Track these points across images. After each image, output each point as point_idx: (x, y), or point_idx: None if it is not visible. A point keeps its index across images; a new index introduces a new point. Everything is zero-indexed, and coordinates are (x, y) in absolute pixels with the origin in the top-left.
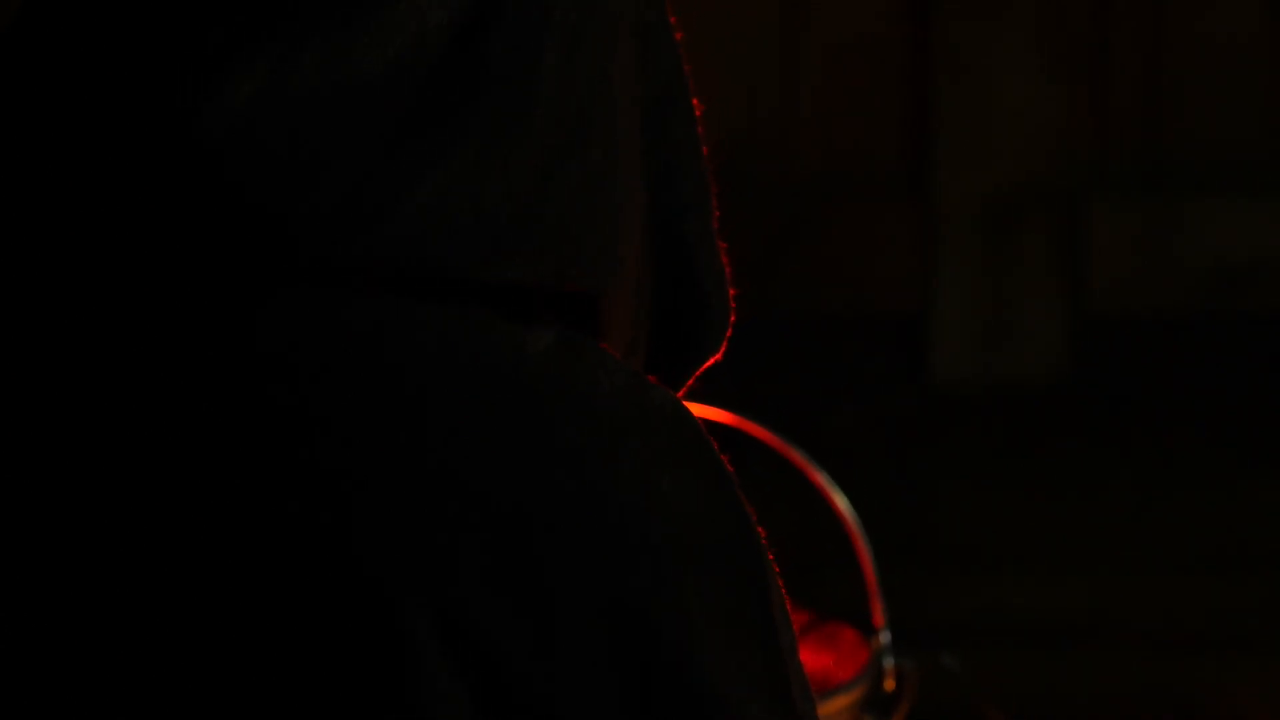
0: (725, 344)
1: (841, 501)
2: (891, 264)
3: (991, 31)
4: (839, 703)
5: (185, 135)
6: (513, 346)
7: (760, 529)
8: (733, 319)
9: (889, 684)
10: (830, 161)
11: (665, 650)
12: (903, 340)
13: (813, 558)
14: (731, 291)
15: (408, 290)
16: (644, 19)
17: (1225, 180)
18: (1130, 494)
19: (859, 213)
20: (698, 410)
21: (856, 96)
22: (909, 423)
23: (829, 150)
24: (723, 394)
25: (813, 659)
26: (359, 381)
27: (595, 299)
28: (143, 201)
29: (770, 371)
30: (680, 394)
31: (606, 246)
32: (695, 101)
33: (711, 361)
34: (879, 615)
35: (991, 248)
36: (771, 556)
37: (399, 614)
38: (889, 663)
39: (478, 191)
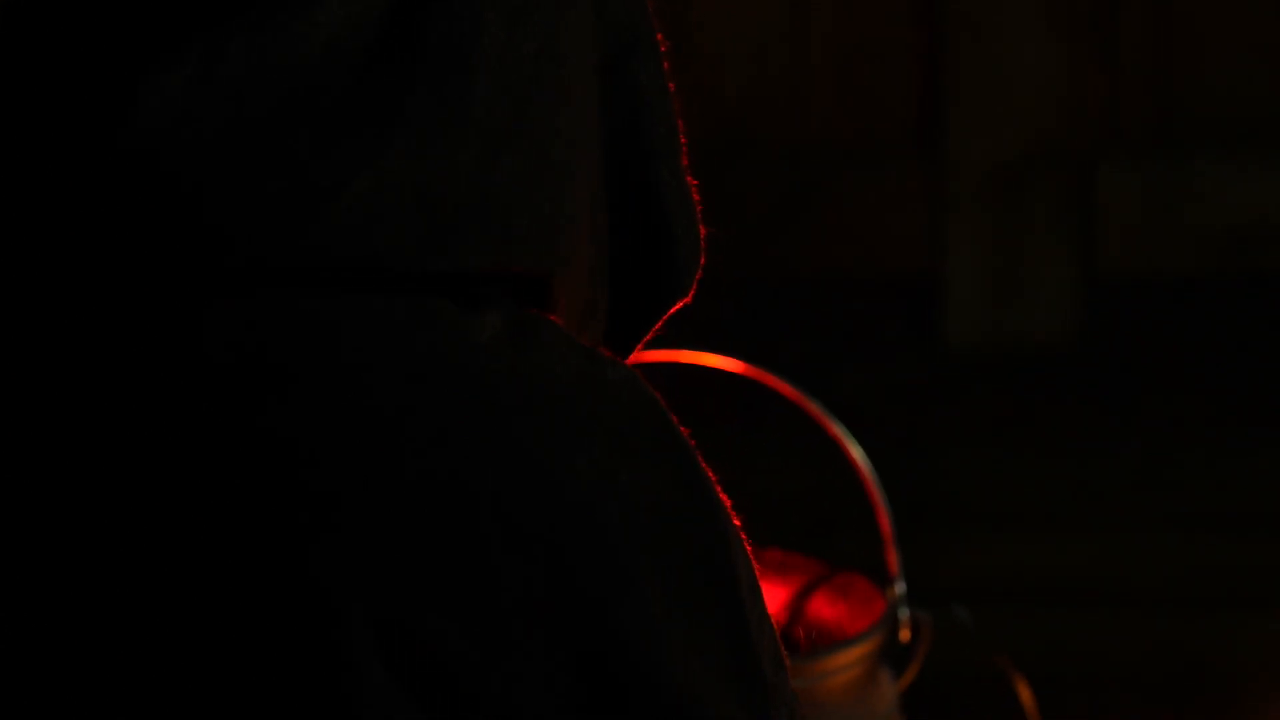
0: (695, 285)
1: (857, 453)
2: (902, 224)
3: None
4: (856, 652)
5: (116, 133)
6: (462, 336)
7: (726, 499)
8: (703, 260)
9: (904, 635)
10: (840, 122)
11: (627, 649)
12: (913, 301)
13: (828, 513)
14: (702, 231)
15: (352, 285)
16: None
17: (1237, 141)
18: (1140, 455)
19: (869, 173)
20: (714, 361)
21: (867, 57)
22: (919, 384)
23: (839, 111)
24: (734, 354)
25: (828, 609)
26: (306, 386)
27: (548, 278)
28: (79, 204)
29: (781, 332)
30: (649, 337)
31: (555, 218)
32: (661, 41)
33: (681, 304)
34: (895, 565)
35: (1002, 208)
36: (738, 523)
37: (342, 624)
38: (904, 614)
39: (419, 179)
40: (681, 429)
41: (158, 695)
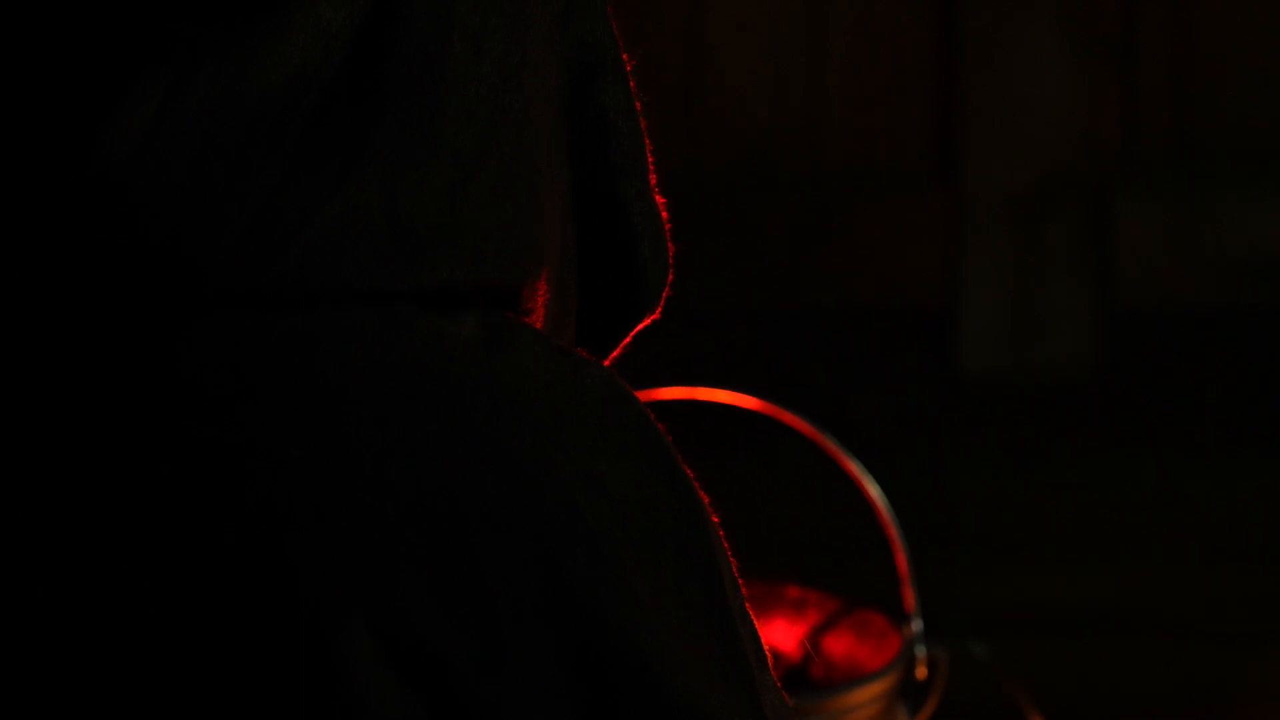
0: (663, 302)
1: (873, 489)
2: (919, 255)
3: (1019, 20)
4: (873, 690)
5: (85, 168)
6: (436, 342)
7: (708, 502)
8: (670, 277)
9: (921, 672)
10: (858, 152)
11: (616, 641)
12: (930, 332)
13: (844, 546)
14: (671, 249)
15: (326, 303)
16: None
17: (1255, 171)
18: (1158, 486)
19: (887, 204)
20: (730, 398)
21: (884, 87)
22: (937, 414)
23: (857, 141)
24: (752, 385)
25: (845, 646)
26: (284, 401)
27: (520, 286)
28: (52, 240)
29: (798, 363)
30: (617, 353)
31: (526, 232)
32: (627, 60)
33: (649, 320)
34: (911, 602)
35: (1020, 239)
36: (720, 528)
37: (338, 634)
38: (921, 651)
39: (390, 205)
40: (660, 426)
41: (159, 711)
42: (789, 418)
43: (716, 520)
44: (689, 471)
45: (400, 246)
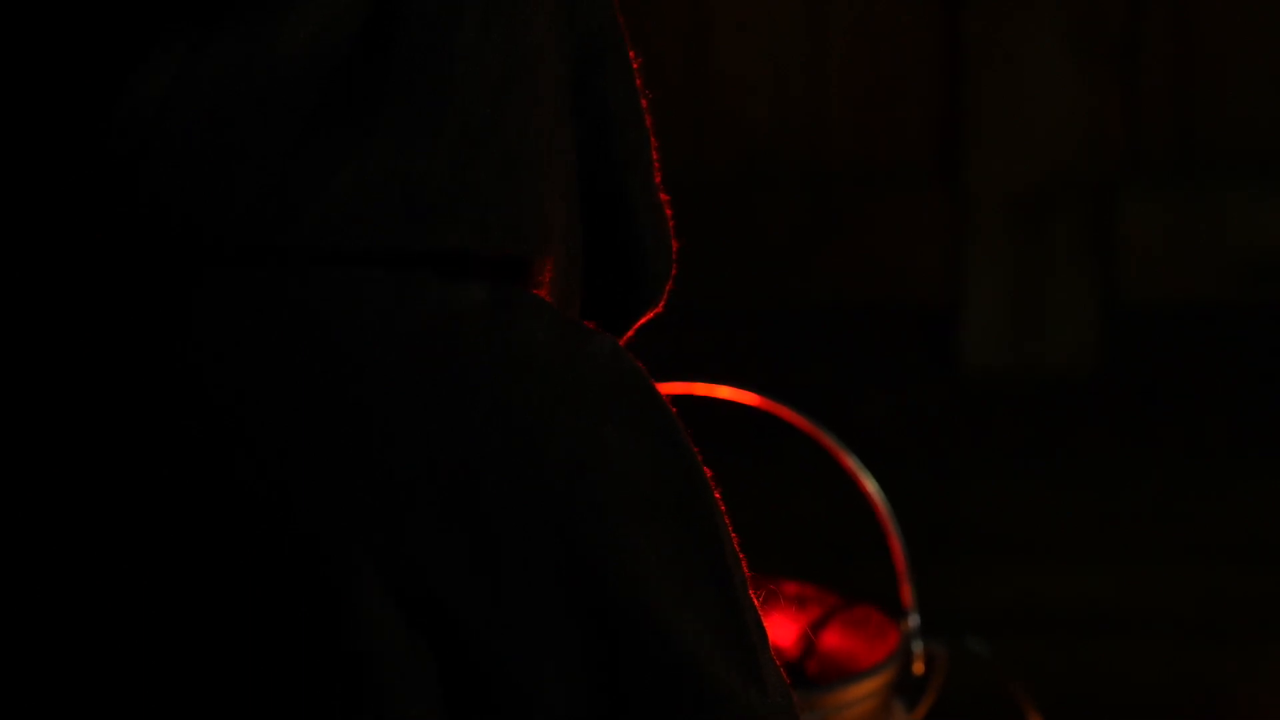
0: (665, 296)
1: (871, 485)
2: (923, 253)
3: (1021, 19)
4: (869, 685)
5: (102, 130)
6: (447, 304)
7: (710, 477)
8: (674, 271)
9: (918, 667)
10: (860, 151)
11: (619, 597)
12: (933, 329)
13: (843, 543)
14: (675, 245)
15: (339, 263)
16: None
17: (1257, 169)
18: (1160, 483)
19: (890, 202)
20: (730, 394)
21: (886, 85)
22: (939, 412)
23: (859, 139)
24: (754, 382)
25: (842, 641)
26: (296, 354)
27: (528, 258)
28: (70, 201)
29: (801, 360)
30: (621, 344)
31: (533, 209)
32: (633, 56)
33: (651, 315)
34: (908, 598)
35: (1023, 237)
36: (723, 507)
37: (348, 580)
38: (918, 646)
39: (403, 165)
40: (667, 401)
41: (172, 646)
42: (788, 414)
43: (718, 495)
44: (696, 450)
45: (411, 211)
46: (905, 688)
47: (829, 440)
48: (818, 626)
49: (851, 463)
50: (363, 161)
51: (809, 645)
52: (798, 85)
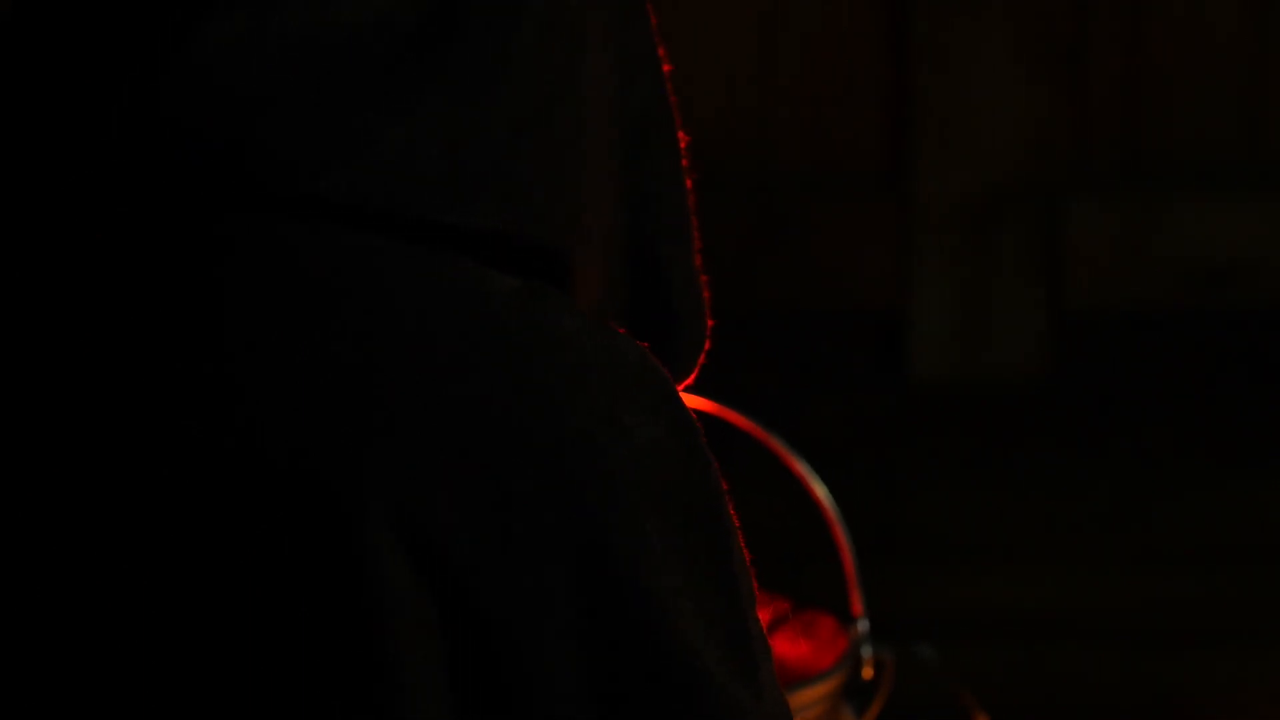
0: (697, 370)
1: (820, 490)
2: (870, 260)
3: (970, 28)
4: (818, 691)
5: (158, 78)
6: (481, 283)
7: (723, 481)
8: (707, 346)
9: (867, 673)
10: (808, 157)
11: (622, 577)
12: (881, 337)
13: (792, 549)
14: (710, 322)
15: (377, 227)
16: (622, 42)
17: (1204, 179)
18: (1108, 490)
19: (838, 209)
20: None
21: (835, 91)
22: (887, 419)
23: (807, 145)
24: (702, 389)
25: (791, 648)
26: (326, 309)
27: (562, 258)
28: (116, 138)
29: (749, 367)
30: None
31: (572, 214)
32: (681, 134)
33: (683, 385)
34: (857, 604)
35: (970, 245)
36: (732, 511)
37: (362, 528)
38: (867, 652)
39: (450, 138)
40: (689, 406)
41: (187, 592)
42: (737, 419)
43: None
44: (713, 457)
45: (453, 180)
46: (854, 693)
47: (779, 445)
48: (768, 632)
49: (801, 468)
50: (414, 124)
51: None
52: (746, 88)
